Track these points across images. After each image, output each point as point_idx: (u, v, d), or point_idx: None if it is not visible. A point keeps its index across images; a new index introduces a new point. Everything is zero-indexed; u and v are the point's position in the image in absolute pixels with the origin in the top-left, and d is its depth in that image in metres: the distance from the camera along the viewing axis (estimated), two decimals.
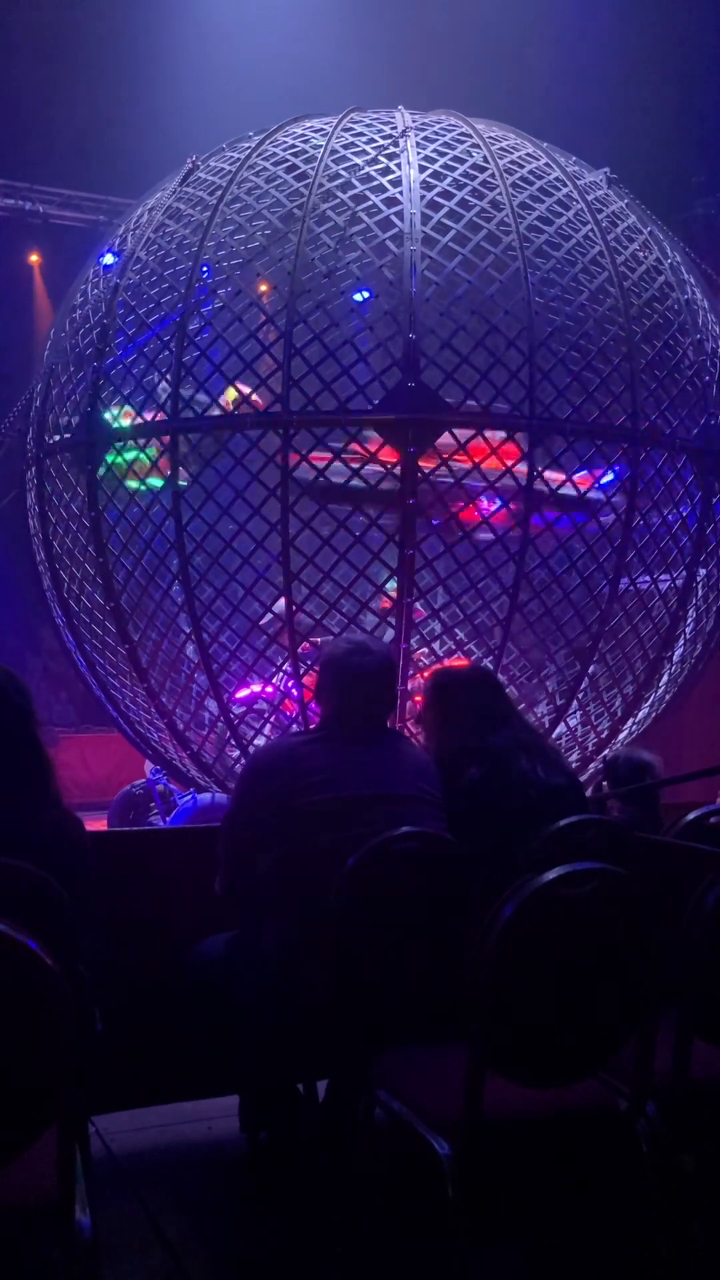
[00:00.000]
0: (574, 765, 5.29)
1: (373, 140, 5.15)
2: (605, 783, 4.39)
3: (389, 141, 5.13)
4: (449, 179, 4.95)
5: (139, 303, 5.21)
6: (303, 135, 5.30)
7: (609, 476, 5.11)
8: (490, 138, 5.28)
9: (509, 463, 4.82)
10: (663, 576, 5.34)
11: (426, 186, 4.92)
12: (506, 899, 2.18)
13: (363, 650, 3.02)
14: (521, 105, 7.26)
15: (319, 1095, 3.05)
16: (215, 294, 5.22)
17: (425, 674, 5.43)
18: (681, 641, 5.52)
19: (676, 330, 5.23)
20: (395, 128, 5.22)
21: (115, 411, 5.13)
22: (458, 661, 5.31)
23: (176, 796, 6.77)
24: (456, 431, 4.77)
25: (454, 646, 5.43)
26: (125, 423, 5.10)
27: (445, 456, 4.79)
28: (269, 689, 5.43)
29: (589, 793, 4.11)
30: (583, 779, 4.63)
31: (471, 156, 5.09)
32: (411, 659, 5.06)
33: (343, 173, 5.02)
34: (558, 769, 3.18)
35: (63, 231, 11.62)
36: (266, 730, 5.34)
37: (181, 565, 4.96)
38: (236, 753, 5.36)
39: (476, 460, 4.80)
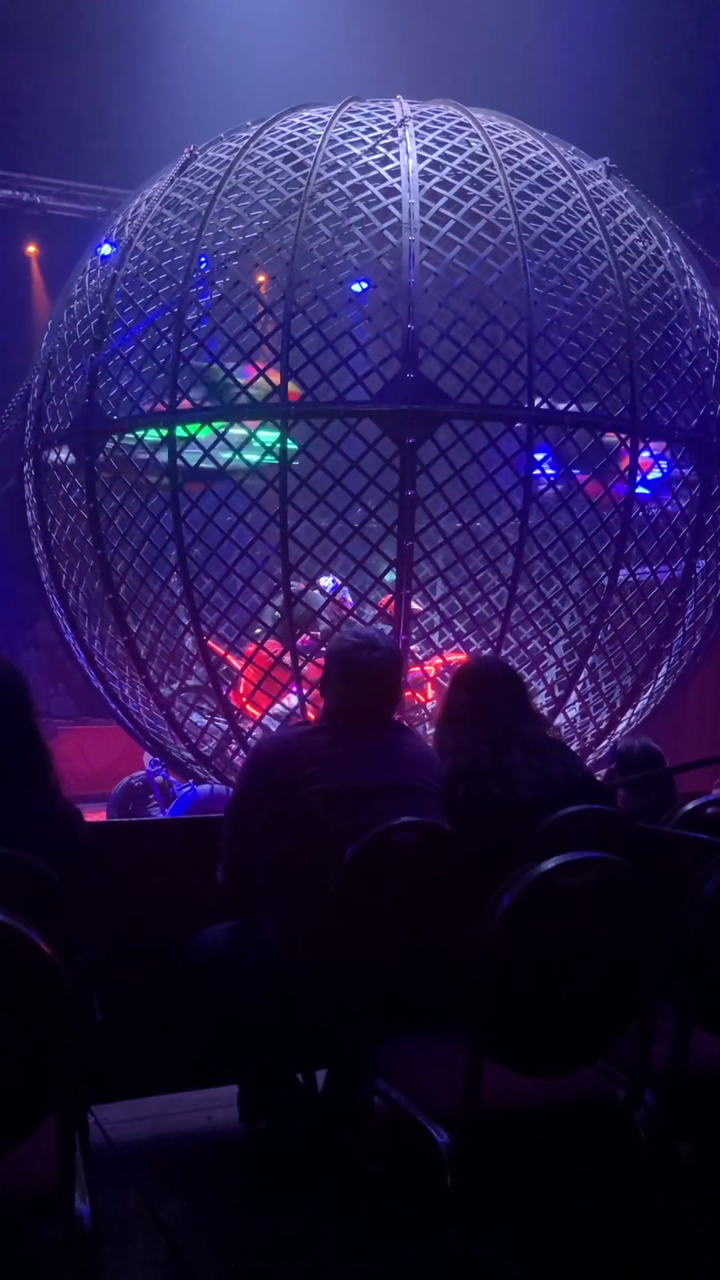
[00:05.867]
0: None
1: (371, 130, 5.13)
2: (617, 772, 4.39)
3: (387, 131, 5.12)
4: (447, 169, 4.93)
5: (137, 293, 5.20)
6: (301, 125, 5.29)
7: None
8: (489, 127, 5.26)
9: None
10: (661, 568, 5.34)
11: (425, 176, 4.91)
12: (505, 888, 2.18)
13: (370, 645, 3.01)
14: (520, 95, 7.23)
15: (318, 1085, 3.06)
16: (213, 285, 5.20)
17: (423, 666, 5.45)
18: (680, 633, 5.52)
19: (676, 320, 5.22)
20: (393, 117, 5.20)
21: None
22: (457, 655, 5.31)
23: (175, 788, 6.77)
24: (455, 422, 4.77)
25: (453, 639, 5.44)
26: None
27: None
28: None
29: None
30: None
31: (470, 146, 5.08)
32: (410, 651, 5.06)
33: (341, 163, 5.00)
34: (572, 763, 3.18)
35: (60, 222, 11.59)
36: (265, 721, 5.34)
37: (180, 557, 4.96)
38: (235, 744, 5.37)
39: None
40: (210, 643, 5.13)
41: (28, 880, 2.28)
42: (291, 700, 5.28)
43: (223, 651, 5.30)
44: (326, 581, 5.64)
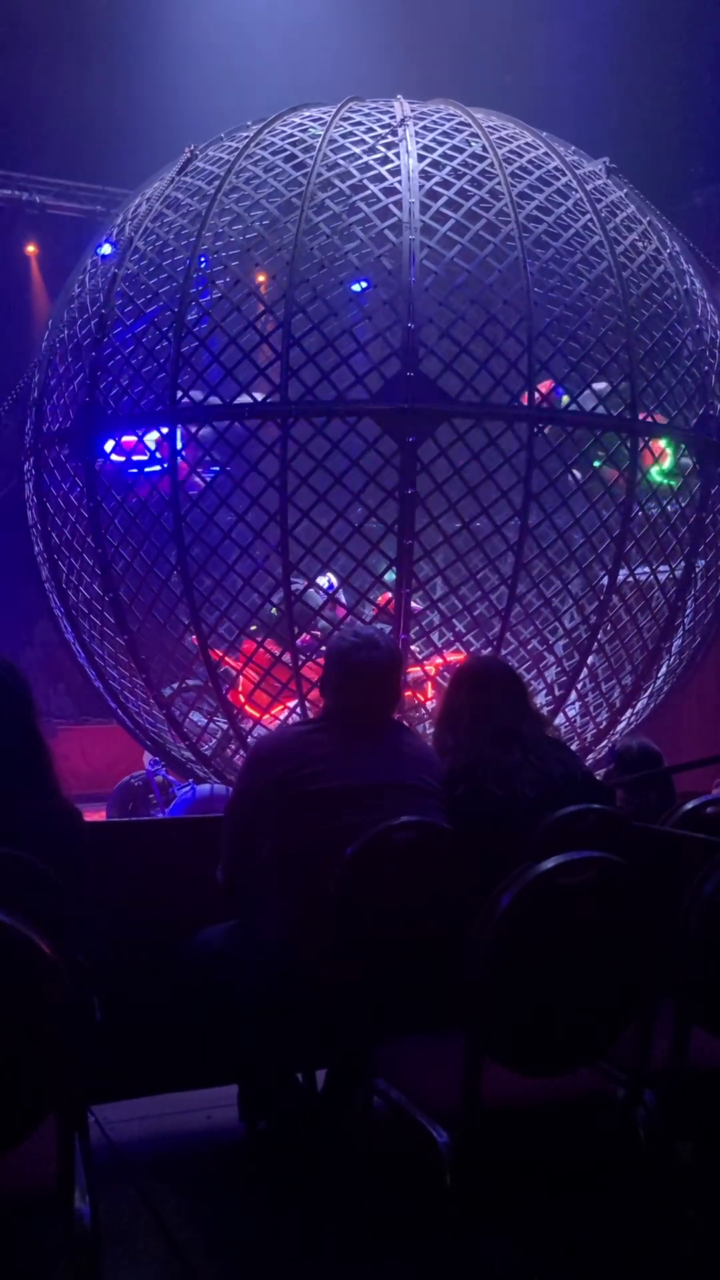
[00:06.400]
0: None
1: (371, 129, 5.13)
2: (615, 771, 4.39)
3: (387, 131, 5.11)
4: (448, 168, 4.93)
5: (137, 293, 5.20)
6: (301, 125, 5.28)
7: None
8: (489, 127, 5.26)
9: None
10: (661, 567, 5.34)
11: (425, 176, 4.91)
12: (504, 888, 2.18)
13: (369, 645, 3.01)
14: (520, 94, 7.23)
15: (318, 1084, 3.06)
16: (213, 284, 5.20)
17: (423, 665, 5.45)
18: (680, 632, 5.52)
19: (675, 320, 5.22)
20: (394, 117, 5.20)
21: None
22: (457, 654, 5.31)
23: (175, 788, 6.78)
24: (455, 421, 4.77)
25: (453, 638, 5.43)
26: None
27: None
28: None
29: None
30: None
31: (470, 146, 5.07)
32: (409, 650, 5.06)
33: (341, 162, 5.00)
34: (571, 762, 3.18)
35: (60, 222, 11.59)
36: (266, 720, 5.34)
37: (180, 556, 4.96)
38: (235, 744, 5.37)
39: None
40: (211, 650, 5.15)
41: (28, 880, 2.28)
42: (290, 702, 5.28)
43: (220, 654, 5.29)
44: (324, 581, 5.65)
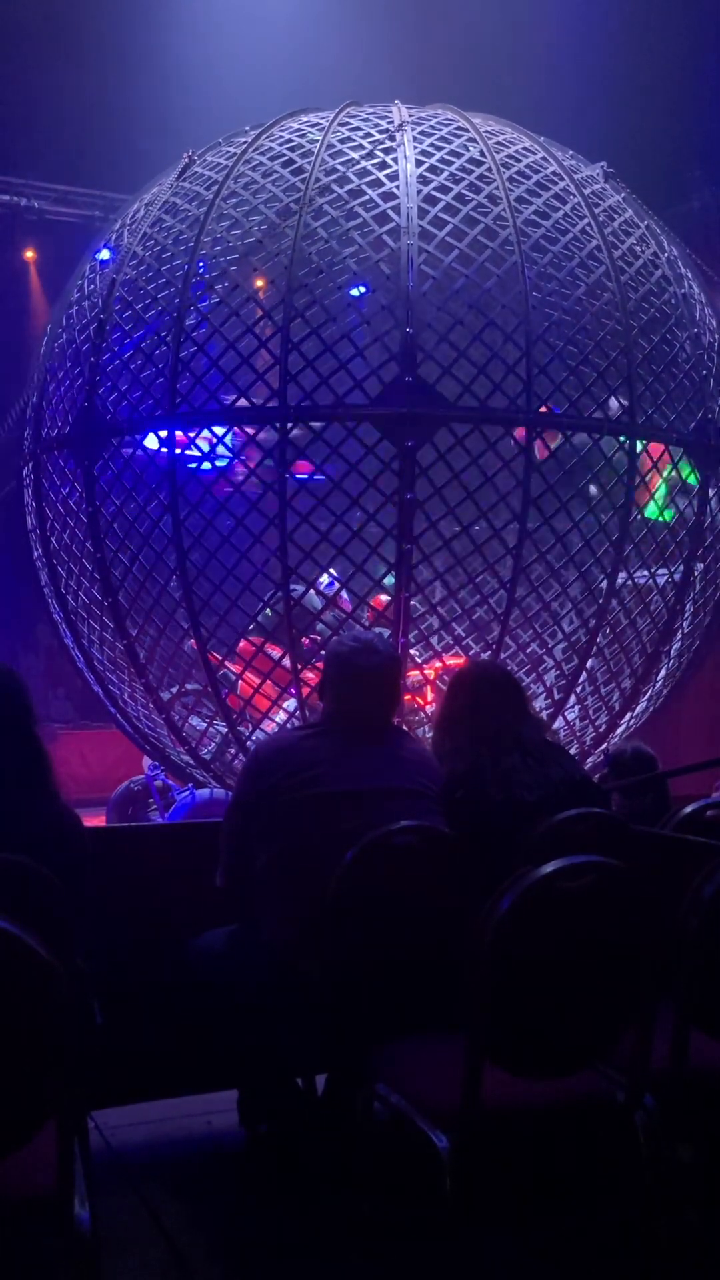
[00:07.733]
0: None
1: (369, 135, 5.14)
2: (610, 775, 4.40)
3: (385, 136, 5.13)
4: (445, 173, 4.94)
5: (135, 298, 5.20)
6: (299, 130, 5.29)
7: None
8: (487, 132, 5.27)
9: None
10: (660, 571, 5.35)
11: (423, 181, 4.92)
12: (504, 891, 2.18)
13: (369, 649, 3.02)
14: (518, 99, 7.25)
15: (318, 1089, 3.06)
16: (212, 289, 5.21)
17: (423, 669, 5.45)
18: (679, 636, 5.53)
19: (673, 324, 5.23)
20: (392, 122, 5.21)
21: None
22: (456, 658, 5.31)
23: (175, 792, 6.78)
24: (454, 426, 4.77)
25: (452, 642, 5.44)
26: None
27: None
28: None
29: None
30: None
31: (468, 150, 5.09)
32: (408, 654, 5.06)
33: (339, 167, 5.01)
34: (570, 766, 3.18)
35: (59, 227, 11.61)
36: (265, 725, 5.34)
37: (179, 560, 4.96)
38: (234, 748, 5.37)
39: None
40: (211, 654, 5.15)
41: (27, 884, 2.29)
42: (290, 704, 5.28)
43: (219, 658, 5.29)
44: (324, 579, 5.65)
